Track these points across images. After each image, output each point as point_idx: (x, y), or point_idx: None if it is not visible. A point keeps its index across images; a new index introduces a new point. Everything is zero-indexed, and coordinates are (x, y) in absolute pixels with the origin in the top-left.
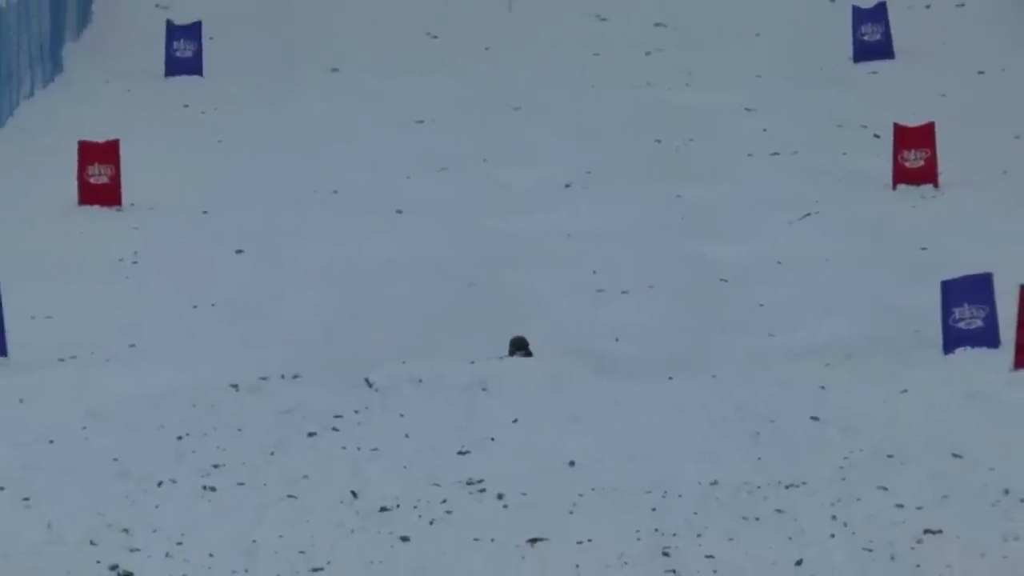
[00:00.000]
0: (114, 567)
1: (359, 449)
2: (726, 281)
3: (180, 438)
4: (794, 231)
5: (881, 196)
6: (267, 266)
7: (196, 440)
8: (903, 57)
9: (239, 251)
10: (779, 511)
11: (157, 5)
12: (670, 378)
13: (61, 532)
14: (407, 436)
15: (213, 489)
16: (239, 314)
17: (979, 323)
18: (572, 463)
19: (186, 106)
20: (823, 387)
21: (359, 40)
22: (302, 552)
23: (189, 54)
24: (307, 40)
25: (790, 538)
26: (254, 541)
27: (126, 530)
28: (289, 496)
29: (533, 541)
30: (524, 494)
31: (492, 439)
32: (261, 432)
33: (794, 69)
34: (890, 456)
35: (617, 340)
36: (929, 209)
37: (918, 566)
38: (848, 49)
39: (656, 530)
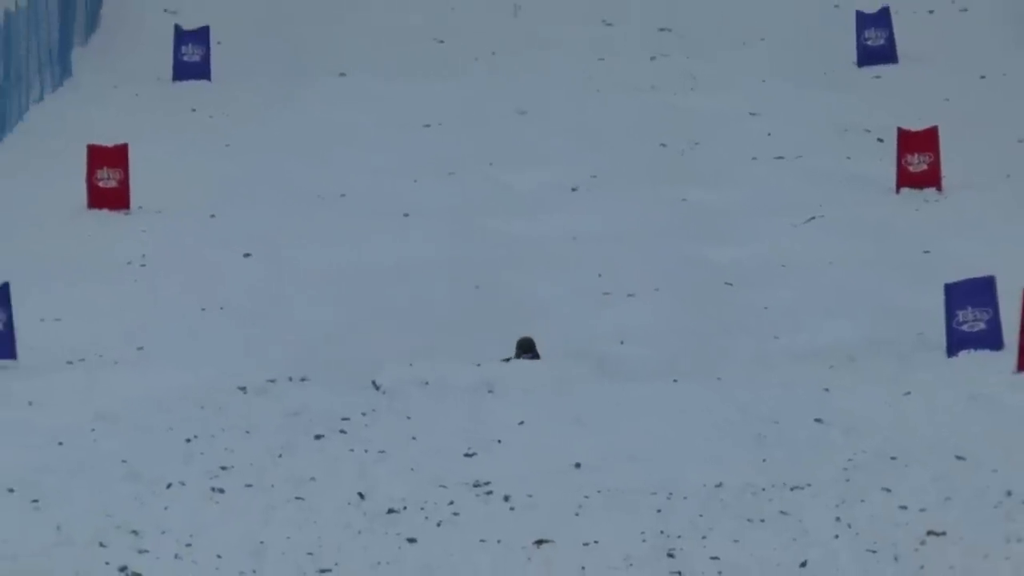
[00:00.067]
0: (123, 568)
1: (366, 451)
2: (730, 284)
3: (188, 440)
4: (798, 234)
5: (885, 199)
6: (275, 269)
7: (204, 442)
8: (906, 61)
9: (247, 254)
10: (783, 513)
11: (165, 10)
12: (675, 380)
13: (70, 533)
14: (414, 438)
15: (221, 491)
16: (247, 317)
17: (982, 326)
18: (578, 465)
19: (194, 110)
20: (827, 389)
21: (366, 45)
22: (310, 553)
23: (197, 58)
24: (314, 45)
25: (794, 539)
26: (262, 542)
27: (135, 531)
28: (297, 498)
29: (539, 542)
30: (530, 496)
31: (498, 441)
32: (269, 434)
33: (798, 73)
34: (893, 458)
35: (622, 343)
36: (932, 212)
37: (921, 567)
38: (852, 53)
39: (661, 532)
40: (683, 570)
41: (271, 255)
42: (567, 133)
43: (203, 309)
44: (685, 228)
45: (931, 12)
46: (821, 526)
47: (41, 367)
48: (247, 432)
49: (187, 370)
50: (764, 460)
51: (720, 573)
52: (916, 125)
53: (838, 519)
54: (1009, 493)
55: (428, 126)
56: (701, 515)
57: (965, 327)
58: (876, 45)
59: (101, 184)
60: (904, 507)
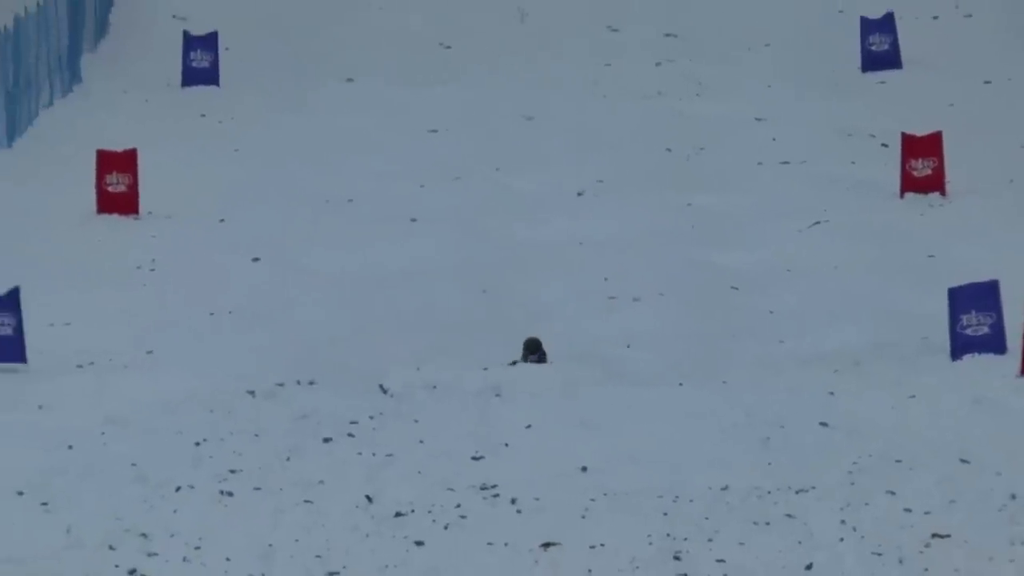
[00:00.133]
0: (132, 571)
1: (374, 454)
2: (736, 288)
3: (197, 443)
4: (803, 239)
5: (889, 204)
6: (283, 274)
7: (213, 445)
8: (911, 67)
9: (255, 259)
10: (789, 516)
11: (174, 16)
12: (681, 384)
13: (80, 536)
14: (421, 442)
15: (230, 494)
16: (255, 321)
17: (986, 330)
18: (584, 468)
19: (203, 115)
20: (832, 393)
21: (373, 50)
22: (318, 556)
23: (206, 64)
24: (322, 50)
25: (800, 542)
26: (270, 545)
27: (144, 535)
28: (305, 501)
29: (546, 545)
30: (537, 499)
31: (506, 444)
32: (277, 438)
33: (803, 79)
34: (898, 461)
35: (629, 347)
36: (936, 217)
37: (926, 570)
38: (856, 59)
39: (668, 535)
40: (689, 572)
41: (279, 259)
42: (573, 138)
43: (212, 313)
44: (691, 233)
45: (935, 18)
46: (826, 529)
47: (51, 371)
48: (256, 435)
49: (196, 374)
50: (770, 463)
51: (726, 575)
52: (920, 130)
53: (843, 522)
54: (1013, 496)
55: (435, 131)
56: (707, 518)
57: (969, 331)
58: (880, 51)
59: (110, 189)
60: (909, 510)
